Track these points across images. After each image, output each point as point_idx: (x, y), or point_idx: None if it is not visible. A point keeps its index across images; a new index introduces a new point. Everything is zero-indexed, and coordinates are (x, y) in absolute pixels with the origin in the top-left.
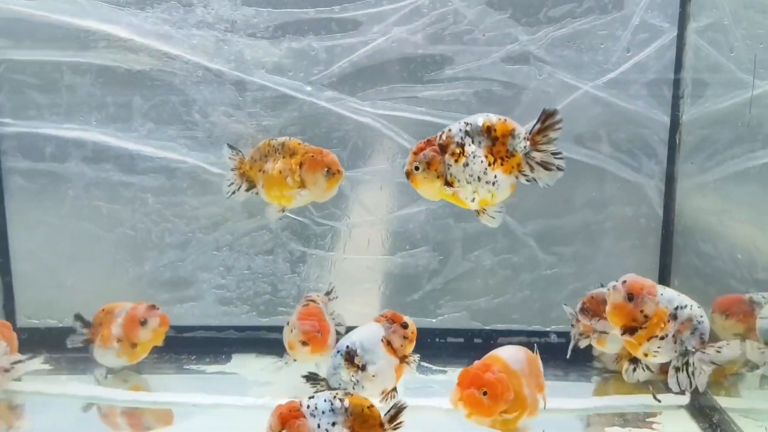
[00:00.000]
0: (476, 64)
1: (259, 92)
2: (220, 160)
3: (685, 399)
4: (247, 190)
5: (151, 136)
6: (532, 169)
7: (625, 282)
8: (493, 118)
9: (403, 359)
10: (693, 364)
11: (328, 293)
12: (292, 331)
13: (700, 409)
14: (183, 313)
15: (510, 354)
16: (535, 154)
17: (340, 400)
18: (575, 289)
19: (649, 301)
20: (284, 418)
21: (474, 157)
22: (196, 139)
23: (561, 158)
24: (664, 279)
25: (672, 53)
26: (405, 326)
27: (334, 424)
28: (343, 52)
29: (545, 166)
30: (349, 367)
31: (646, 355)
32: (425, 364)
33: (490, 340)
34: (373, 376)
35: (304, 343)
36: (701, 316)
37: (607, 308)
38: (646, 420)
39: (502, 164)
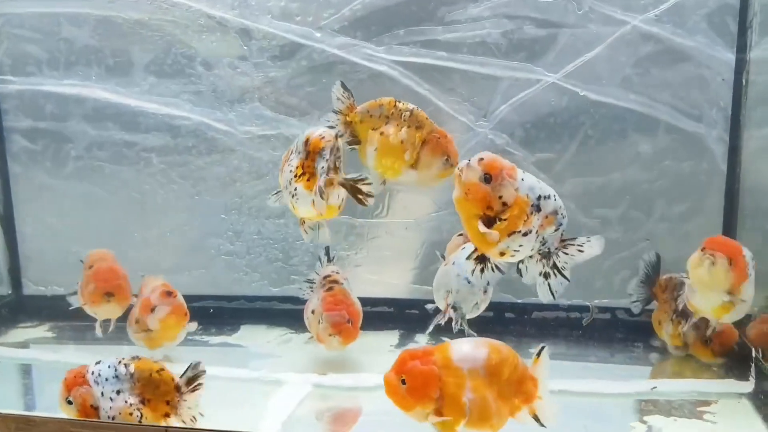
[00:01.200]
0: None
1: (265, 41)
2: (226, 117)
3: (749, 386)
4: (349, 144)
5: (153, 91)
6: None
7: (482, 159)
8: (316, 132)
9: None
10: (557, 266)
11: (328, 258)
12: (319, 322)
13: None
14: (191, 281)
15: (464, 348)
16: None
17: (125, 365)
18: (621, 258)
19: (508, 185)
20: (68, 385)
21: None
22: (200, 93)
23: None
24: None
25: None
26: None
27: (119, 392)
28: None
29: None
30: None
31: (502, 254)
32: (449, 341)
33: (524, 314)
34: None
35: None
36: (564, 209)
37: (456, 191)
38: (698, 410)
39: (308, 180)
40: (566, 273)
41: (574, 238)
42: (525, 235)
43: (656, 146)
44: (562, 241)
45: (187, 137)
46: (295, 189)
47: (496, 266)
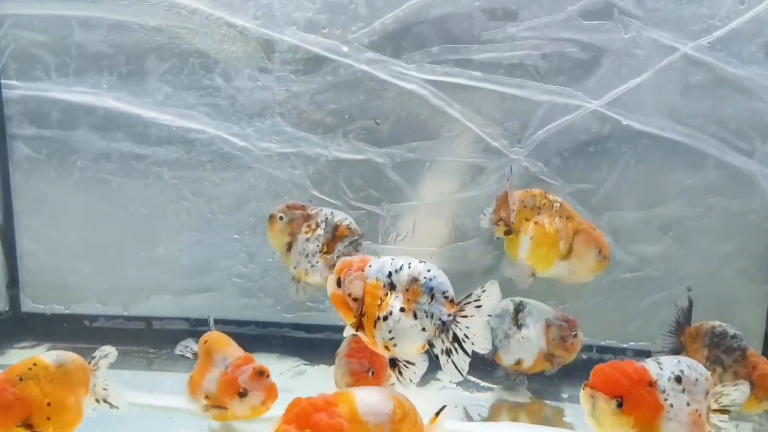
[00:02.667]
0: (545, 19)
1: (288, 53)
2: (244, 131)
3: None
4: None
5: (168, 102)
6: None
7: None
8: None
9: None
10: (458, 335)
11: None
12: (339, 368)
13: None
14: (199, 304)
15: (370, 401)
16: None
17: None
18: (661, 298)
19: (354, 278)
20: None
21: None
22: (217, 106)
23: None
24: None
25: None
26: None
27: None
28: (387, 6)
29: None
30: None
31: (387, 348)
32: (472, 379)
33: None
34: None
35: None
36: (428, 270)
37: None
38: None
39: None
40: (479, 338)
41: (468, 295)
42: (386, 319)
43: (703, 181)
44: (456, 304)
45: (201, 152)
46: (318, 262)
47: (407, 362)
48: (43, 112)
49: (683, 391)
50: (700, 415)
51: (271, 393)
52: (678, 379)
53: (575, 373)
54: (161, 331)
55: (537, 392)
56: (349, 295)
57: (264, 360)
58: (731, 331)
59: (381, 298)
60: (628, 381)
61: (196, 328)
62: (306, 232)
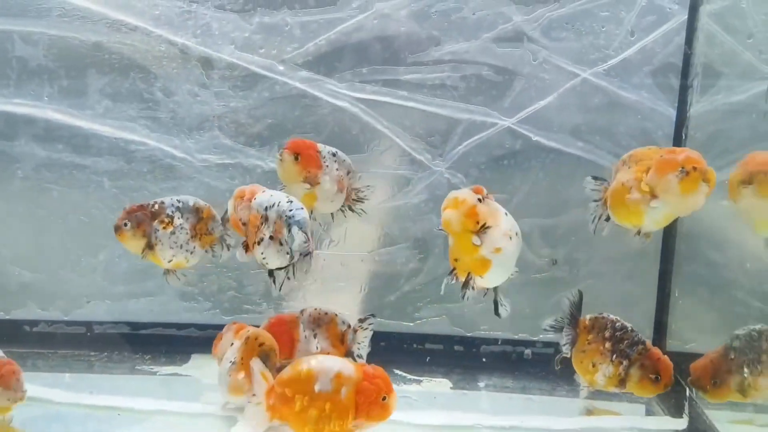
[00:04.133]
0: (465, 45)
1: (227, 70)
2: (184, 144)
3: (683, 423)
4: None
5: (108, 114)
6: None
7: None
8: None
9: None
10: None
11: None
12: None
13: None
14: (140, 308)
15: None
16: None
17: None
18: (566, 295)
19: (244, 208)
20: None
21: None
22: (158, 120)
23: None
24: (664, 287)
25: (681, 38)
26: None
27: None
28: (320, 29)
29: None
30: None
31: (263, 264)
32: (399, 372)
33: (472, 348)
34: None
35: None
36: (290, 210)
37: None
38: None
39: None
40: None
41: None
42: (260, 242)
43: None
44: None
45: (142, 162)
46: (194, 247)
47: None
48: None
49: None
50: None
51: None
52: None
53: (494, 365)
54: (102, 335)
55: (457, 383)
56: (240, 220)
57: (204, 360)
58: (629, 325)
59: (257, 226)
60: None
61: (137, 331)
62: (164, 227)
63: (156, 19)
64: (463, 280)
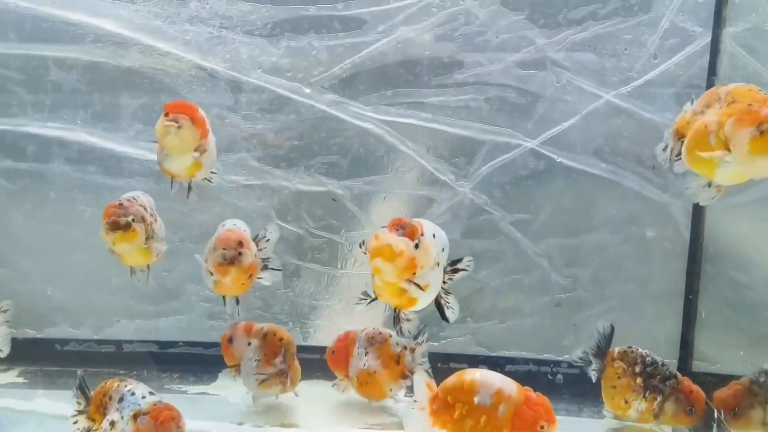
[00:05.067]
0: (488, 68)
1: (254, 94)
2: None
3: None
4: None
5: (140, 137)
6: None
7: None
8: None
9: None
10: None
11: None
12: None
13: None
14: (168, 327)
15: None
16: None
17: None
18: (591, 315)
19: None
20: None
21: None
22: None
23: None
24: (690, 308)
25: (704, 60)
26: None
27: None
28: (346, 53)
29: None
30: None
31: None
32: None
33: (497, 367)
34: None
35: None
36: None
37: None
38: None
39: None
40: None
41: None
42: None
43: (624, 212)
44: None
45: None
46: None
47: None
48: (19, 146)
49: None
50: None
51: None
52: None
53: None
54: (131, 354)
55: None
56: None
57: (232, 380)
58: (658, 358)
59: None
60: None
61: (165, 350)
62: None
63: (187, 44)
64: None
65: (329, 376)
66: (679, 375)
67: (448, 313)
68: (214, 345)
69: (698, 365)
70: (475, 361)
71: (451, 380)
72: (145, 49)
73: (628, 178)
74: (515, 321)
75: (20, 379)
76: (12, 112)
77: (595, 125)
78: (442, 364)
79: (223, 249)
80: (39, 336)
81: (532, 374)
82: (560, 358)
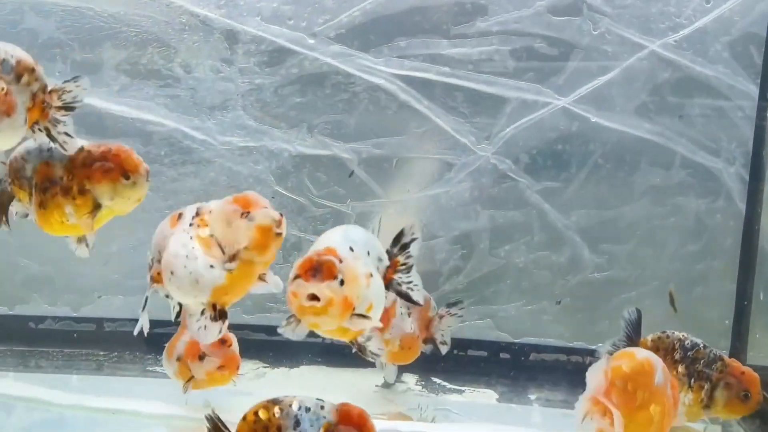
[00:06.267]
0: (515, 14)
1: (252, 44)
2: (204, 125)
3: None
4: None
5: (124, 92)
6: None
7: None
8: None
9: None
10: None
11: None
12: None
13: None
14: (154, 305)
15: None
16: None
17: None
18: (629, 298)
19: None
20: None
21: None
22: (177, 98)
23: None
24: (744, 290)
25: (764, 5)
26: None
27: None
28: None
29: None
30: None
31: None
32: (438, 381)
33: (521, 356)
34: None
35: None
36: None
37: None
38: None
39: None
40: None
41: None
42: None
43: (670, 180)
44: None
45: (159, 145)
46: None
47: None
48: None
49: None
50: None
51: (230, 361)
52: None
53: (542, 377)
54: (113, 333)
55: (503, 395)
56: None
57: None
58: (698, 340)
59: None
60: None
61: (150, 330)
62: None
63: None
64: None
65: (330, 361)
66: (725, 356)
67: (415, 296)
68: None
69: (754, 357)
70: (495, 347)
71: (623, 364)
72: None
73: (674, 140)
74: (541, 303)
75: None
76: None
77: (638, 80)
78: (458, 351)
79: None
80: (11, 313)
81: (561, 364)
82: (593, 347)
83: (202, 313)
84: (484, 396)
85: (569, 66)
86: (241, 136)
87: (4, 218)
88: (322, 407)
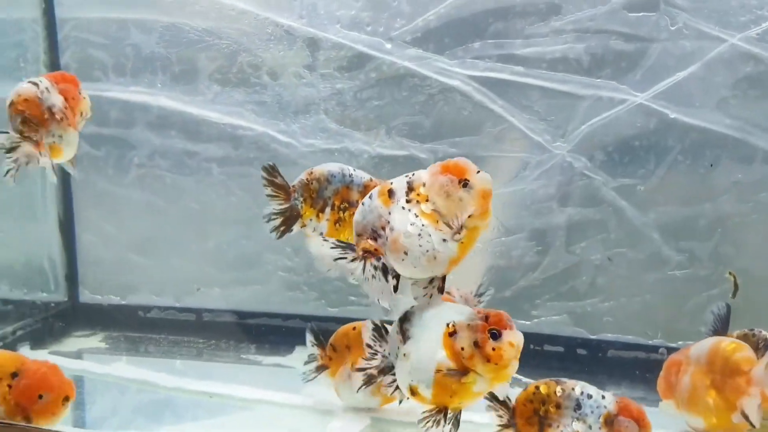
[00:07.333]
0: (590, 12)
1: (333, 51)
2: (289, 128)
3: None
4: None
5: (217, 100)
6: None
7: None
8: None
9: (463, 370)
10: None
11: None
12: None
13: None
14: (247, 297)
15: None
16: None
17: None
18: (710, 296)
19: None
20: None
21: None
22: (264, 104)
23: None
24: None
25: None
26: (494, 335)
27: None
28: (429, 3)
29: None
30: (398, 332)
31: None
32: (516, 376)
33: (598, 352)
34: (404, 355)
35: None
36: None
37: None
38: None
39: None
40: None
41: None
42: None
43: (753, 176)
44: None
45: (248, 148)
46: None
47: None
48: (102, 111)
49: None
50: None
51: None
52: None
53: (620, 373)
54: (210, 323)
55: None
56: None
57: (306, 352)
58: None
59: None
60: None
61: (243, 320)
62: None
63: (263, 1)
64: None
65: None
66: None
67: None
68: (292, 317)
69: None
70: (572, 343)
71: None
72: (221, 9)
73: (757, 135)
74: (620, 300)
75: (103, 345)
76: (94, 76)
77: (719, 74)
78: (534, 346)
79: None
80: (123, 302)
81: (640, 362)
82: (673, 345)
83: (428, 285)
84: None
85: (646, 62)
86: (323, 139)
87: (286, 230)
88: (603, 397)
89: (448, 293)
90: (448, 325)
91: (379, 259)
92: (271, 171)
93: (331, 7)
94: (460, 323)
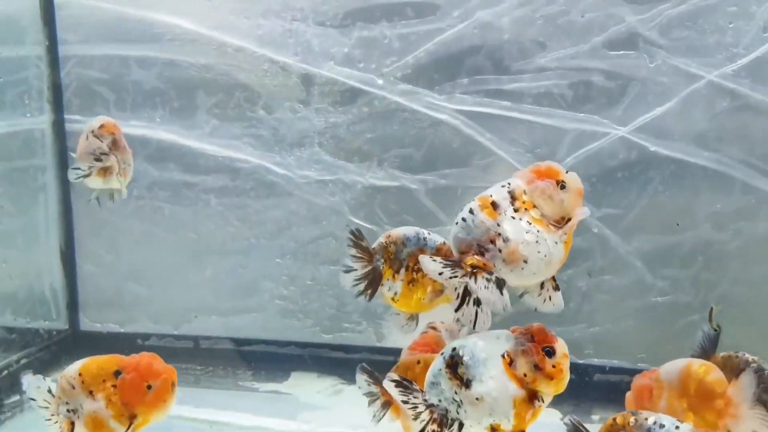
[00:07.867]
0: (573, 50)
1: (326, 86)
2: (285, 160)
3: None
4: None
5: (215, 133)
6: None
7: None
8: None
9: (532, 394)
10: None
11: None
12: None
13: None
14: (243, 324)
15: None
16: None
17: None
18: (693, 321)
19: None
20: None
21: None
22: (260, 137)
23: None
24: None
25: None
26: (548, 352)
27: None
28: (419, 41)
29: None
30: (452, 378)
31: None
32: None
33: (585, 376)
34: (477, 399)
35: None
36: None
37: None
38: None
39: None
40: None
41: None
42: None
43: (731, 206)
44: None
45: (245, 180)
46: None
47: None
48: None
49: None
50: None
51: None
52: None
53: (607, 397)
54: (208, 350)
55: (567, 415)
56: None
57: (304, 378)
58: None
59: None
60: None
61: (240, 347)
62: None
63: (259, 39)
64: None
65: None
66: None
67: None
68: (287, 344)
69: None
70: None
71: None
72: (219, 46)
73: (734, 167)
74: (605, 326)
75: None
76: (96, 111)
77: (696, 109)
78: None
79: None
80: (122, 330)
81: (626, 385)
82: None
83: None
84: (549, 414)
85: (627, 97)
86: (318, 171)
87: (374, 291)
88: (677, 427)
89: (434, 328)
90: (503, 356)
91: (491, 273)
92: (358, 235)
93: (325, 44)
94: (514, 351)
